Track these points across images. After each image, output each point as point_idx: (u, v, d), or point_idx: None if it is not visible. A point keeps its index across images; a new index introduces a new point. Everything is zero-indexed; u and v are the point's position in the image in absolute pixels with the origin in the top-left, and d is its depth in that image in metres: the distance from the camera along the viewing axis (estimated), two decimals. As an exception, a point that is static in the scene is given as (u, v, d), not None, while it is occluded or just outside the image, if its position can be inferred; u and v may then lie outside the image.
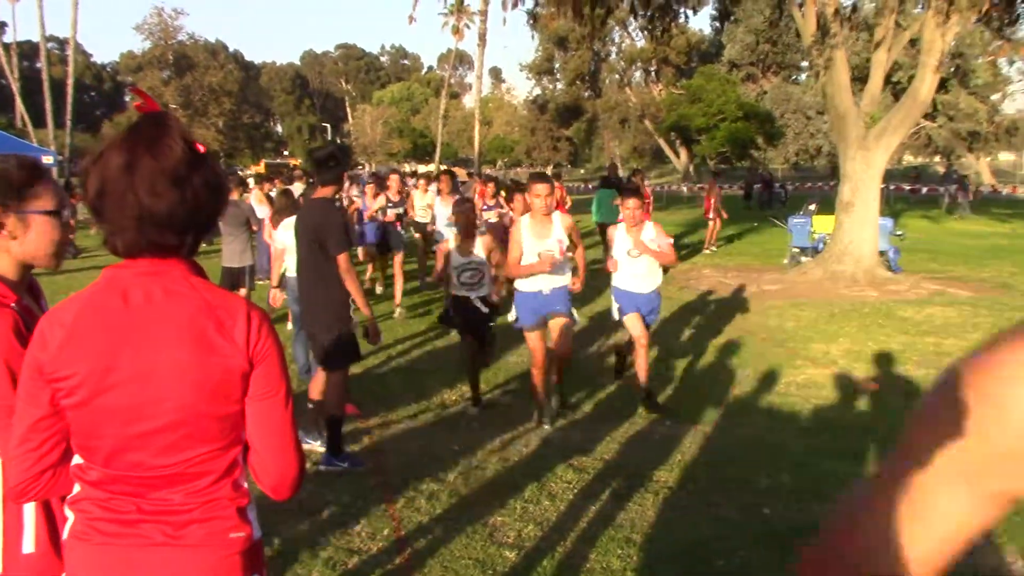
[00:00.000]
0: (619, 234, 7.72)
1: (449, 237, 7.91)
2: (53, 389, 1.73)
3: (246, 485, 1.90)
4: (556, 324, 7.10)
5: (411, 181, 24.26)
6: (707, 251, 20.38)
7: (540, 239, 6.93)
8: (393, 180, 14.39)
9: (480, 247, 7.49)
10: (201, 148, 1.80)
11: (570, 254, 7.41)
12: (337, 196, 6.28)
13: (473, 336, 7.62)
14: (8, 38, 62.62)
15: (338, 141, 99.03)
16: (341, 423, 5.99)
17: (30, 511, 2.16)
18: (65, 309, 1.77)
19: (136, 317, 1.73)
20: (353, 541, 4.75)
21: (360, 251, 13.57)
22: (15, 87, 53.95)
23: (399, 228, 13.31)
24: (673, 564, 4.50)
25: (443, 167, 31.36)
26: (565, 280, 7.14)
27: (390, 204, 13.14)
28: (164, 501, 1.78)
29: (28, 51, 78.06)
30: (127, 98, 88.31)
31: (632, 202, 7.46)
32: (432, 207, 14.15)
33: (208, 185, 1.79)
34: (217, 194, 1.84)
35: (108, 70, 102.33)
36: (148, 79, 67.51)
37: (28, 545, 2.16)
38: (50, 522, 2.19)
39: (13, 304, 2.20)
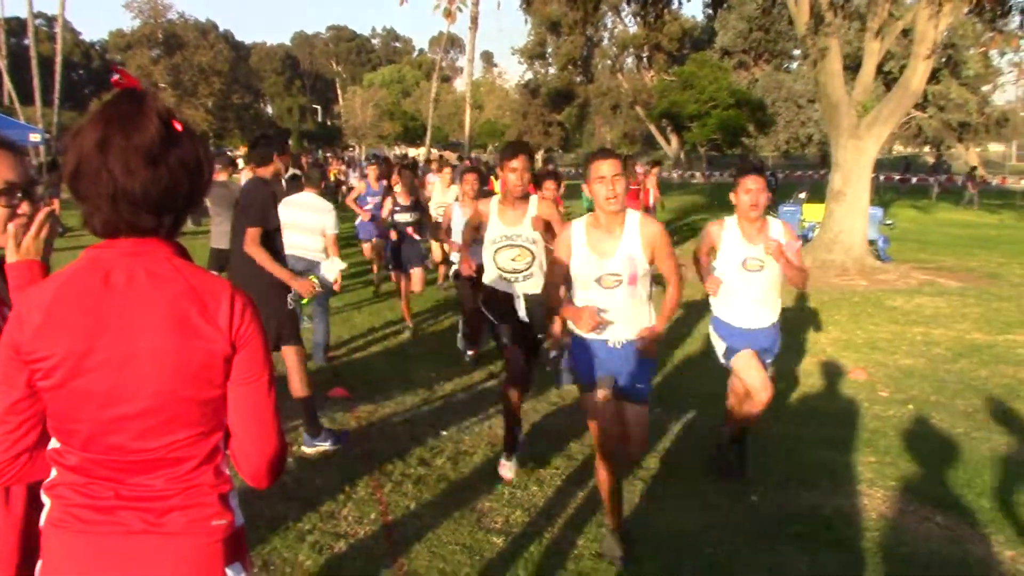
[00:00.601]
0: (727, 233, 5.41)
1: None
2: (30, 371, 1.70)
3: (228, 472, 1.87)
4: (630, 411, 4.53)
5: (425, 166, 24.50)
6: None
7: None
8: (402, 177, 10.67)
9: (529, 220, 5.47)
10: (179, 126, 1.75)
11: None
12: (277, 175, 6.15)
13: (520, 348, 5.53)
14: (-5, 14, 62.01)
15: (328, 123, 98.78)
16: (312, 402, 5.91)
17: None
18: (44, 289, 1.73)
19: (117, 299, 1.69)
20: (340, 525, 4.73)
21: (365, 247, 13.26)
22: (2, 64, 53.44)
23: (415, 235, 10.03)
24: (661, 551, 4.50)
25: (439, 153, 31.31)
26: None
27: (398, 208, 9.97)
28: (144, 487, 1.74)
29: (16, 28, 77.32)
30: (120, 65, 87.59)
31: (753, 182, 5.19)
32: (449, 213, 9.12)
33: (185, 164, 1.75)
34: (195, 174, 1.78)
35: (97, 48, 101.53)
36: (137, 58, 67.10)
37: None
38: (6, 498, 2.16)
39: None
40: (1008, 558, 4.51)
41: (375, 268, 13.13)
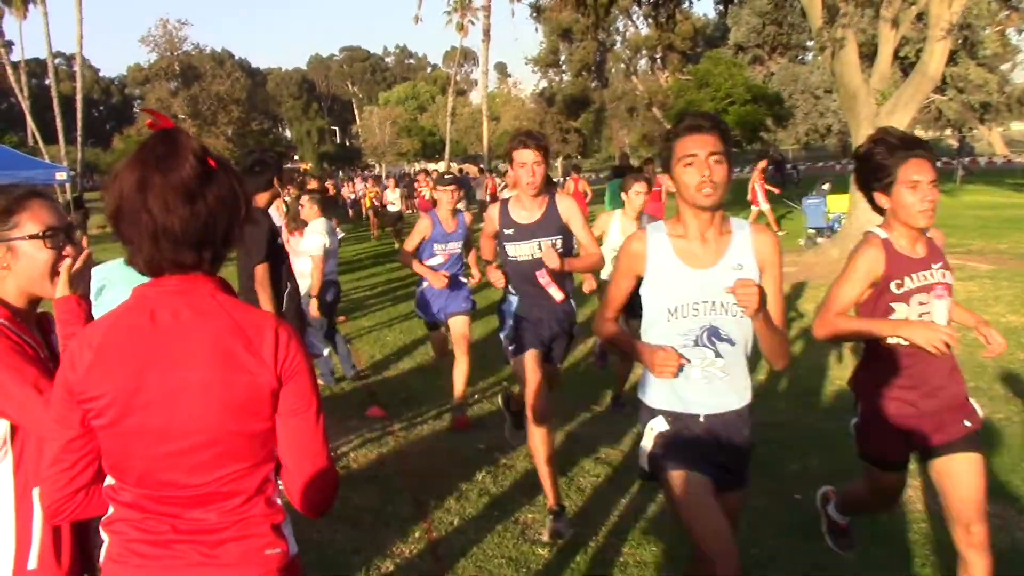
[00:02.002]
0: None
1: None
2: (83, 410, 1.74)
3: (280, 502, 1.90)
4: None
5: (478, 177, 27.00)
6: None
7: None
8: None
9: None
10: (213, 163, 1.79)
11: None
12: (274, 202, 5.82)
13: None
14: (16, 56, 62.96)
15: (347, 144, 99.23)
16: None
17: (37, 529, 2.18)
18: (94, 329, 1.78)
19: (163, 336, 1.73)
20: (386, 544, 4.75)
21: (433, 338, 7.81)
22: (25, 105, 54.16)
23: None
24: (706, 554, 4.48)
25: (459, 167, 31.71)
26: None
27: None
28: (198, 521, 1.78)
29: (36, 69, 78.50)
30: (135, 111, 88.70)
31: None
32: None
33: (221, 200, 1.78)
34: (233, 209, 1.82)
35: (116, 84, 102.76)
36: (156, 91, 67.62)
37: (32, 561, 2.18)
38: (55, 541, 2.21)
39: (3, 320, 2.20)
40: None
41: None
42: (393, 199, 24.48)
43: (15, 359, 2.11)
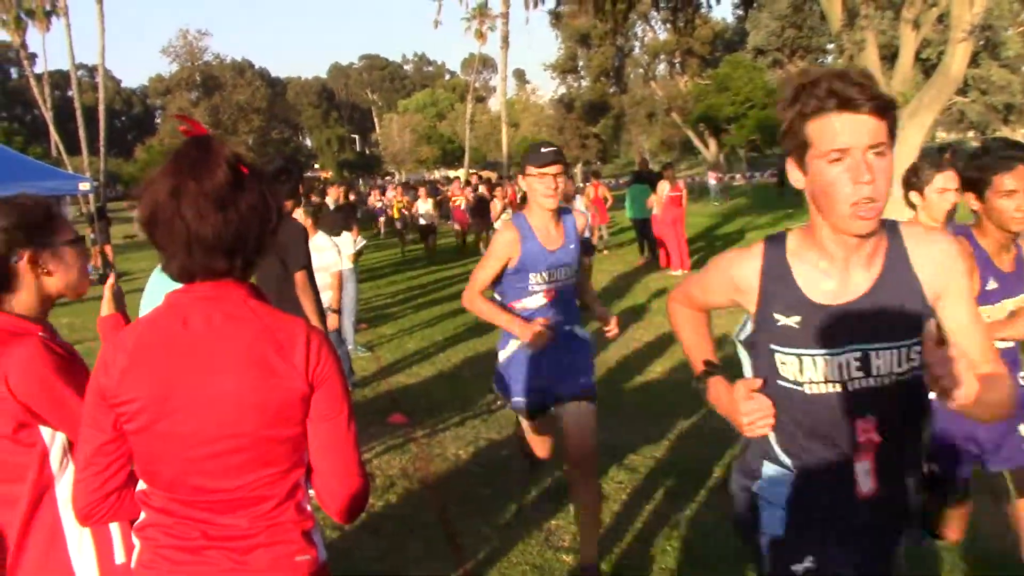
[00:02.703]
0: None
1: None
2: (116, 414, 1.76)
3: (310, 508, 1.90)
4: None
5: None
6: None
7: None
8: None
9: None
10: (246, 170, 1.80)
11: None
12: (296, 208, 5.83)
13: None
14: (39, 68, 63.50)
15: (367, 152, 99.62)
16: None
17: (114, 524, 2.20)
18: (128, 335, 1.79)
19: (196, 342, 1.74)
20: (409, 551, 4.75)
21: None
22: (48, 116, 54.62)
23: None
24: (733, 563, 4.45)
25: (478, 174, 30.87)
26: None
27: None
28: (229, 527, 1.78)
29: (59, 80, 79.19)
30: (157, 121, 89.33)
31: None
32: None
33: (254, 207, 1.79)
34: (264, 216, 1.82)
35: (137, 94, 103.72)
36: (177, 101, 68.14)
37: (120, 555, 2.20)
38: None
39: (41, 333, 2.25)
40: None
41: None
42: (425, 211, 21.69)
43: (70, 376, 2.16)
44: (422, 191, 22.60)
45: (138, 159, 68.87)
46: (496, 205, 17.61)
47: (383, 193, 36.16)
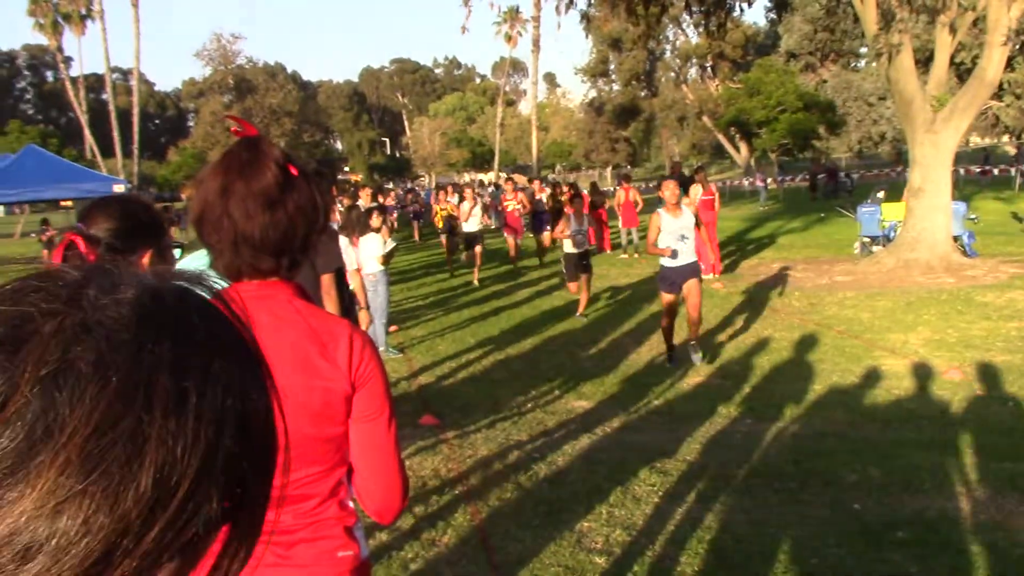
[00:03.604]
0: None
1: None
2: None
3: (352, 505, 1.93)
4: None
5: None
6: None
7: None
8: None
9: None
10: (295, 171, 1.82)
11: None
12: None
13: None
14: (74, 71, 64.29)
15: (398, 155, 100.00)
16: None
17: None
18: None
19: None
20: (441, 552, 4.77)
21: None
22: (83, 119, 55.36)
23: None
24: (765, 565, 4.45)
25: (508, 176, 30.71)
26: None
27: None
28: (272, 524, 1.81)
29: (94, 83, 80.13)
30: (189, 124, 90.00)
31: None
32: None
33: (301, 208, 1.81)
34: (311, 217, 1.84)
35: (171, 97, 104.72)
36: (210, 104, 68.76)
37: None
38: None
39: None
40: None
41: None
42: (474, 216, 17.77)
43: None
44: (467, 192, 18.76)
45: (171, 161, 69.55)
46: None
47: (415, 195, 36.19)
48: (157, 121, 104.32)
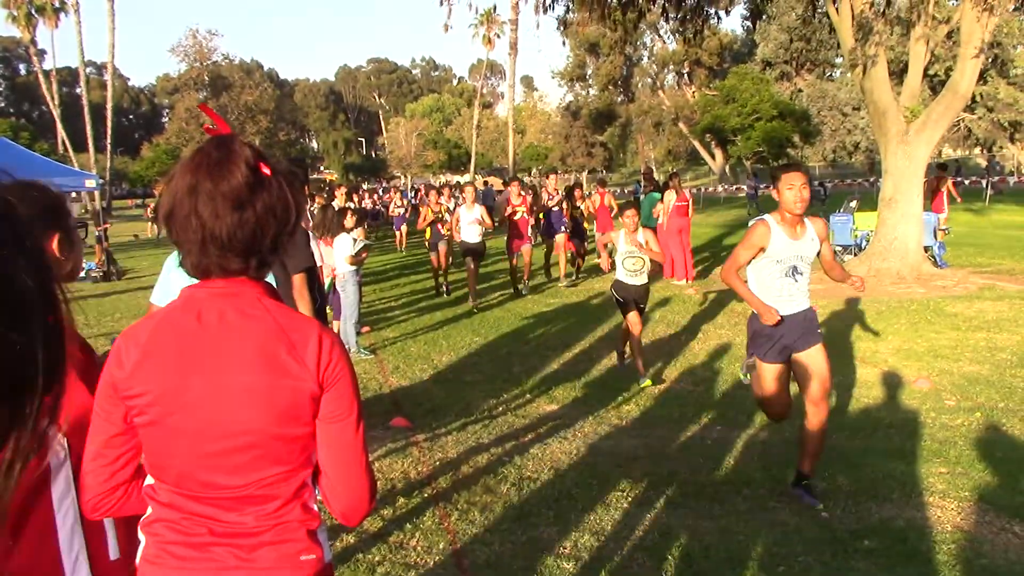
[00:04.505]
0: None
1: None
2: (127, 407, 1.76)
3: (316, 508, 1.90)
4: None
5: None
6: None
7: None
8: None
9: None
10: (267, 170, 1.80)
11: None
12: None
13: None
14: (48, 65, 63.62)
15: (373, 155, 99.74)
16: None
17: (109, 520, 2.19)
18: (142, 328, 1.80)
19: (209, 338, 1.75)
20: (409, 556, 4.74)
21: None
22: (56, 113, 54.78)
23: None
24: (733, 571, 4.45)
25: (484, 180, 30.38)
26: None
27: None
28: (236, 523, 1.78)
29: (67, 77, 79.41)
30: (163, 120, 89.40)
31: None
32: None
33: (271, 209, 1.78)
34: (282, 217, 1.82)
35: (145, 93, 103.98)
36: (185, 100, 68.34)
37: (114, 551, 2.19)
38: (128, 529, 2.22)
39: None
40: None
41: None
42: (470, 222, 13.87)
43: (82, 371, 2.15)
44: (468, 192, 14.50)
45: (144, 157, 69.00)
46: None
47: (378, 196, 35.70)
48: (131, 116, 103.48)
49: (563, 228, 16.30)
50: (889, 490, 5.51)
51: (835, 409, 7.48)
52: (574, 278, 16.71)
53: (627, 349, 9.16)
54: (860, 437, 6.72)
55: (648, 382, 8.44)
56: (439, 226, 15.39)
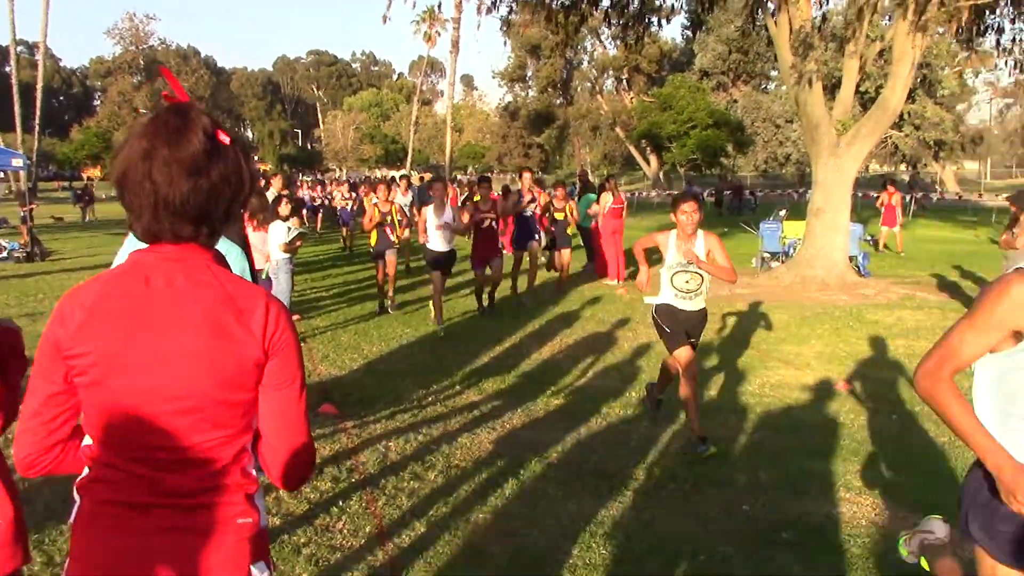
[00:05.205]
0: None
1: None
2: (68, 366, 1.75)
3: (255, 473, 1.91)
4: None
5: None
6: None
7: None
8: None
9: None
10: (226, 139, 1.80)
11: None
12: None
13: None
14: (-25, 42, 61.92)
15: (309, 147, 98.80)
16: None
17: None
18: (87, 289, 1.78)
19: (156, 301, 1.74)
20: (335, 538, 4.74)
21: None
22: (-18, 91, 53.21)
23: None
24: (654, 559, 4.53)
25: (420, 175, 30.09)
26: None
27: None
28: (175, 485, 1.78)
29: (-5, 55, 77.26)
30: (95, 103, 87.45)
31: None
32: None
33: (226, 178, 1.79)
34: (236, 186, 1.83)
35: (77, 75, 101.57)
36: (119, 84, 67.08)
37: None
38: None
39: None
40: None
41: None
42: (439, 226, 11.29)
43: None
44: (437, 189, 11.60)
45: (74, 140, 67.45)
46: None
47: (323, 188, 35.33)
48: (61, 98, 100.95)
49: (536, 236, 13.81)
50: (808, 486, 5.65)
51: (760, 408, 7.65)
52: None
53: (660, 385, 7.26)
54: (782, 435, 6.87)
55: (713, 450, 6.26)
56: (388, 230, 12.51)
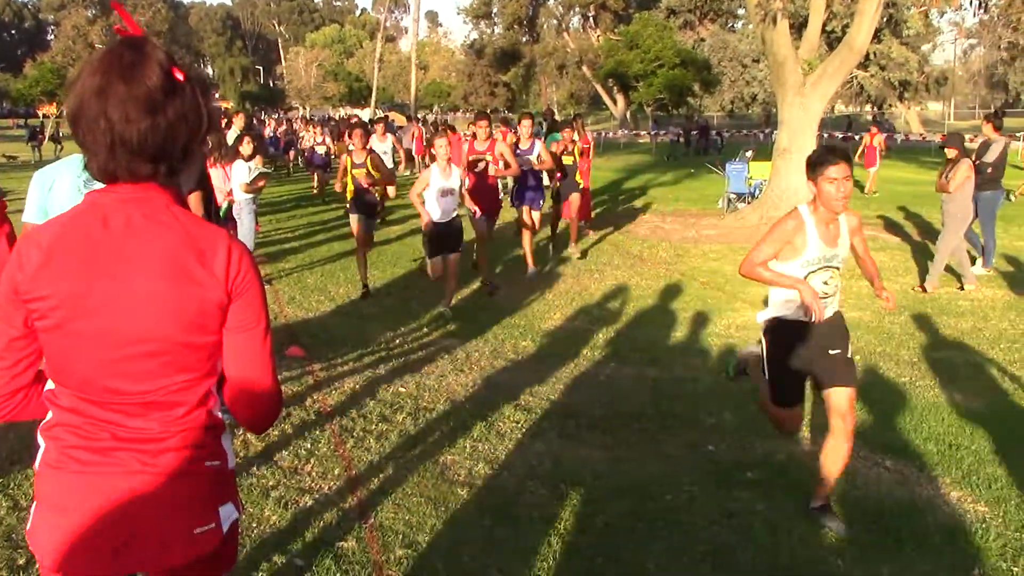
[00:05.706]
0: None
1: None
2: (28, 310, 1.71)
3: (220, 415, 1.90)
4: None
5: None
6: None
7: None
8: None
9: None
10: (181, 76, 1.75)
11: None
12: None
13: None
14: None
15: (271, 84, 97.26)
16: None
17: None
18: (44, 231, 1.74)
19: (115, 243, 1.70)
20: (304, 480, 4.75)
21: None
22: (-69, 24, 51.80)
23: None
24: (622, 499, 4.60)
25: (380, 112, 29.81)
26: None
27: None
28: (140, 429, 1.76)
29: (-56, -13, 75.01)
30: (48, 37, 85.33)
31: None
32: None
33: (184, 115, 1.74)
34: (195, 124, 1.77)
35: (30, 8, 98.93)
36: (72, 18, 65.37)
37: None
38: None
39: None
40: (954, 499, 4.69)
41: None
42: (444, 192, 8.74)
43: None
44: (440, 146, 8.90)
45: (27, 76, 65.82)
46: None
47: (289, 125, 34.79)
48: (13, 32, 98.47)
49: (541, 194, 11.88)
50: (772, 428, 5.73)
51: (725, 349, 7.72)
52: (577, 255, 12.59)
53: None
54: (747, 376, 6.95)
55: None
56: (363, 182, 9.87)
